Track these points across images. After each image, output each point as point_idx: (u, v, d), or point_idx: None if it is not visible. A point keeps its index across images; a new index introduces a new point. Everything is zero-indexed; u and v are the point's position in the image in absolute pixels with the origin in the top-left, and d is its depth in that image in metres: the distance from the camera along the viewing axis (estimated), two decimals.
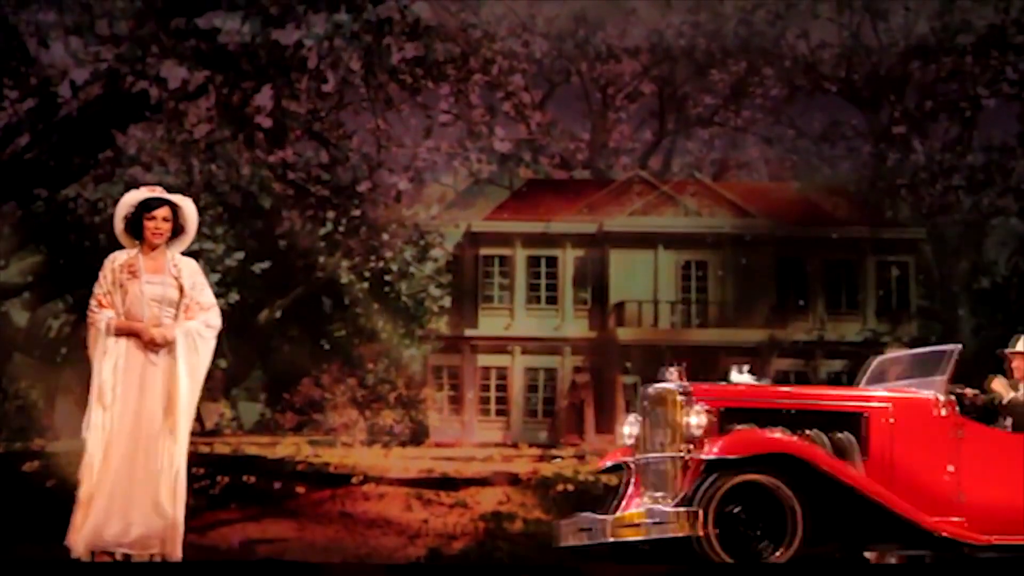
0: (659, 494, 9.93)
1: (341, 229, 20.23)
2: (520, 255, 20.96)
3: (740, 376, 11.04)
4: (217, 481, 18.30)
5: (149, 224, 9.67)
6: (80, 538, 9.56)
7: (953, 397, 10.42)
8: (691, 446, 9.84)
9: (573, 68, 21.09)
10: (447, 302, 20.57)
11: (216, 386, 19.87)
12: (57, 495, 18.42)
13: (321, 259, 20.19)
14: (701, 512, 9.50)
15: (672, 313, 20.79)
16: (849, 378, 20.75)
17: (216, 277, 19.86)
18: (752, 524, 9.64)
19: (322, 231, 20.17)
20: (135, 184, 19.56)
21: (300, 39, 19.64)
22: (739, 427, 9.93)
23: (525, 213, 20.95)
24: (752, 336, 20.52)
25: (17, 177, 19.63)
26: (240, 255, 19.85)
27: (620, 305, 20.70)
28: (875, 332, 20.60)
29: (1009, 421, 10.74)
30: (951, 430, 10.25)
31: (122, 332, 9.57)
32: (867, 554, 11.30)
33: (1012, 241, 20.56)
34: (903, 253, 20.89)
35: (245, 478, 18.50)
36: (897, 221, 20.96)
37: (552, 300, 20.89)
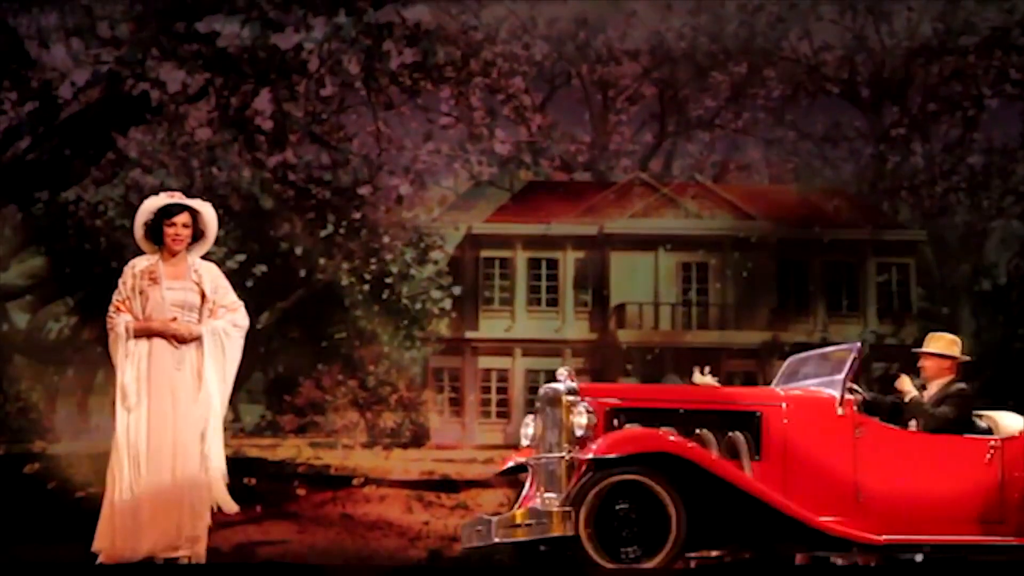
0: (550, 495, 9.84)
1: (342, 231, 20.23)
2: (521, 257, 20.95)
3: (702, 378, 11.06)
4: None
5: (169, 230, 9.70)
6: (113, 544, 9.49)
7: (854, 396, 10.31)
8: (577, 446, 9.77)
9: (574, 70, 21.08)
10: (448, 304, 20.56)
11: None
12: (58, 497, 18.45)
13: (322, 261, 20.19)
14: (572, 511, 9.42)
15: (673, 315, 20.78)
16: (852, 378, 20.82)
17: None
18: (633, 524, 9.52)
19: (322, 233, 20.18)
20: (136, 187, 19.77)
21: (300, 42, 19.64)
22: (629, 427, 9.85)
23: (526, 215, 20.95)
24: (753, 338, 20.52)
25: (18, 179, 19.64)
26: (241, 257, 19.85)
27: (621, 307, 20.69)
28: (876, 334, 20.59)
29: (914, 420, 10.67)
30: (850, 429, 10.13)
31: (141, 333, 9.59)
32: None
33: (1013, 243, 20.55)
34: (904, 255, 20.88)
35: (246, 480, 18.50)
36: (898, 223, 20.95)
37: (553, 302, 20.88)
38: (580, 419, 9.78)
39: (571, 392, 9.89)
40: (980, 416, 10.70)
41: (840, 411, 10.15)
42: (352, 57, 19.85)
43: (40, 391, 19.55)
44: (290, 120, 19.97)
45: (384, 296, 20.38)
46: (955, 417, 10.48)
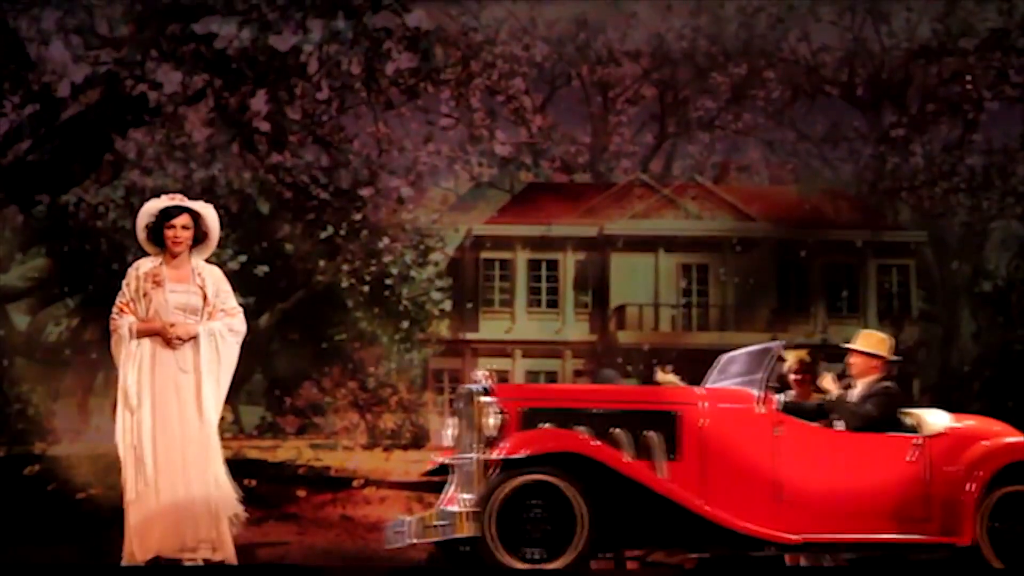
0: (465, 495, 9.82)
1: (342, 233, 20.24)
2: (521, 258, 20.96)
3: (666, 376, 11.02)
4: None
5: (169, 233, 9.71)
6: (132, 546, 9.50)
7: (775, 394, 10.26)
8: (488, 447, 9.74)
9: (574, 71, 21.09)
10: (448, 305, 20.57)
11: None
12: (58, 499, 18.46)
13: (322, 263, 20.19)
14: (477, 512, 9.42)
15: (673, 316, 20.79)
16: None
17: None
18: (541, 525, 9.46)
19: (323, 235, 20.18)
20: (135, 188, 19.77)
21: (298, 44, 19.64)
22: (545, 427, 9.80)
23: (526, 216, 20.95)
24: (753, 339, 20.35)
25: (19, 181, 19.64)
26: (241, 259, 19.86)
27: (621, 308, 20.70)
28: None
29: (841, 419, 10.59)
30: (769, 427, 10.05)
31: (144, 333, 9.60)
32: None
33: (1013, 244, 20.55)
34: (904, 256, 20.88)
35: (246, 482, 18.32)
36: (898, 224, 20.95)
37: (553, 303, 20.89)
38: (489, 420, 9.73)
39: (484, 393, 9.85)
40: (907, 414, 10.57)
41: (759, 410, 10.07)
42: (351, 59, 19.85)
43: (40, 393, 19.55)
44: (289, 122, 19.97)
45: (384, 297, 20.38)
46: (877, 415, 10.38)
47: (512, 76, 20.73)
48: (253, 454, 19.39)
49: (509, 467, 9.49)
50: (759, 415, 10.06)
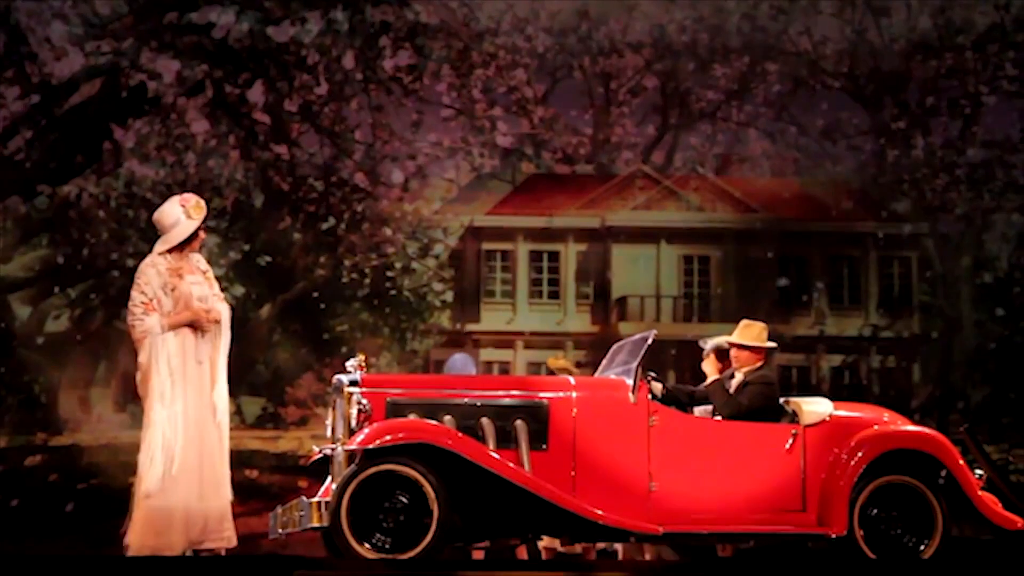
0: (335, 485, 9.70)
1: (343, 224, 20.24)
2: (522, 250, 20.97)
3: (558, 363, 10.86)
4: None
5: (202, 234, 9.99)
6: (144, 538, 9.55)
7: (652, 383, 10.12)
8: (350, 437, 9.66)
9: (576, 63, 21.09)
10: (449, 297, 20.58)
11: None
12: (59, 489, 18.48)
13: (323, 255, 20.20)
14: (327, 502, 9.36)
15: (674, 308, 20.80)
16: (851, 373, 20.87)
17: (219, 272, 19.87)
18: (398, 515, 9.42)
19: (324, 226, 20.19)
20: (135, 179, 19.75)
21: (297, 35, 19.63)
22: (411, 418, 9.72)
23: (527, 208, 20.96)
24: None
25: (20, 172, 19.64)
26: (243, 249, 19.86)
27: (622, 300, 20.70)
28: (877, 327, 20.62)
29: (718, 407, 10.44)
30: (643, 418, 9.90)
31: (175, 326, 9.72)
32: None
33: (1014, 236, 20.57)
34: (905, 248, 20.89)
35: (247, 472, 18.53)
36: (899, 216, 20.96)
37: (554, 295, 20.90)
38: (352, 410, 9.69)
39: (353, 384, 9.79)
40: (787, 402, 10.39)
41: (633, 399, 9.93)
42: (351, 50, 19.84)
43: (41, 383, 19.57)
44: (290, 112, 19.97)
45: (385, 288, 20.39)
46: (747, 405, 10.26)
47: (514, 67, 20.72)
48: (254, 445, 19.40)
49: (369, 457, 9.41)
50: (632, 405, 9.91)
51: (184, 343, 9.74)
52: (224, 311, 9.95)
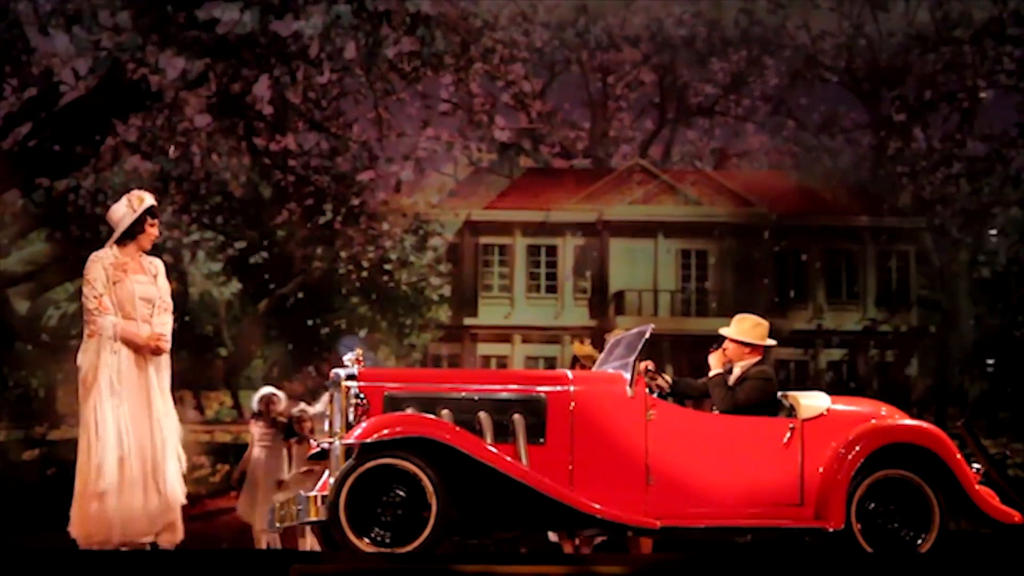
0: (333, 480, 9.62)
1: (341, 218, 20.25)
2: (520, 244, 20.98)
3: (583, 349, 10.85)
4: (217, 469, 18.31)
5: (151, 229, 9.88)
6: (88, 531, 9.61)
7: (660, 377, 10.07)
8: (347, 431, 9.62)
9: (573, 57, 21.10)
10: (447, 291, 20.59)
11: (217, 375, 19.90)
12: (58, 483, 18.47)
13: (321, 248, 20.20)
14: (325, 496, 9.30)
15: (672, 302, 20.81)
16: (849, 367, 20.89)
17: (217, 266, 19.89)
18: (397, 509, 9.36)
19: (322, 220, 20.19)
20: (136, 173, 19.76)
21: (299, 29, 19.63)
22: (409, 413, 9.67)
23: (525, 202, 20.97)
24: None
25: (19, 166, 19.64)
26: (241, 244, 19.87)
27: (620, 294, 20.72)
28: (875, 321, 20.63)
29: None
30: (640, 411, 9.85)
31: (127, 339, 9.75)
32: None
33: (1012, 230, 20.59)
34: (903, 242, 20.91)
35: None
36: (897, 210, 20.97)
37: (552, 289, 20.91)
38: (352, 404, 9.64)
39: (350, 377, 9.71)
40: (785, 396, 10.30)
41: (630, 393, 9.89)
42: (352, 44, 19.84)
43: (40, 377, 19.57)
44: (290, 107, 19.98)
45: (383, 283, 20.40)
46: (744, 400, 10.17)
47: (512, 61, 20.73)
48: None
49: (367, 451, 9.37)
50: (630, 399, 9.86)
51: (131, 352, 9.78)
52: (166, 323, 9.86)
